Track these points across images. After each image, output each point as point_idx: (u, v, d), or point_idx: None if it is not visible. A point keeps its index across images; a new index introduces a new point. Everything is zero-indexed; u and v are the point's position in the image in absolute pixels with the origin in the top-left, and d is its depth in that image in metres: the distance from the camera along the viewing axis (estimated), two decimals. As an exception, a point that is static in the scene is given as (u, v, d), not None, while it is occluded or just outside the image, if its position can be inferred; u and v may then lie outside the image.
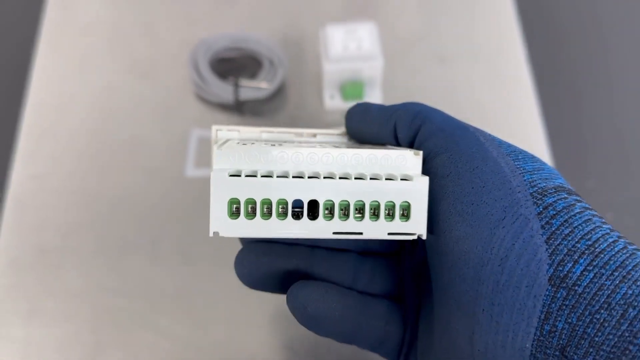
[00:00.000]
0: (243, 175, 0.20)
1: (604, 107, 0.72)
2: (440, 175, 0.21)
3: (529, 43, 0.50)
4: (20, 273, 0.39)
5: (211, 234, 0.20)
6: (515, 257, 0.19)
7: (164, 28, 0.48)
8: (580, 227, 0.19)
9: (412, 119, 0.23)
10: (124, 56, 0.47)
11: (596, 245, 0.19)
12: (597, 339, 0.17)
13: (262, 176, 0.20)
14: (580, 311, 0.18)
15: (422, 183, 0.21)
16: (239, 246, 0.25)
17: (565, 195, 0.20)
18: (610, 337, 0.17)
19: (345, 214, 0.21)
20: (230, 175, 0.20)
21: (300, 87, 0.46)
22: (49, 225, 0.40)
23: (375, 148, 0.22)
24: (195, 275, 0.39)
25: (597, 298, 0.18)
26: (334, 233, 0.21)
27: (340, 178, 0.20)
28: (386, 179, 0.21)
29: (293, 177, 0.20)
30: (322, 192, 0.20)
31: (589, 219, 0.19)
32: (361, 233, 0.21)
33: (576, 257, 0.18)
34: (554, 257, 0.18)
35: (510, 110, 0.45)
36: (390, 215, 0.21)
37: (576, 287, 0.18)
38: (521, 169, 0.20)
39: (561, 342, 0.18)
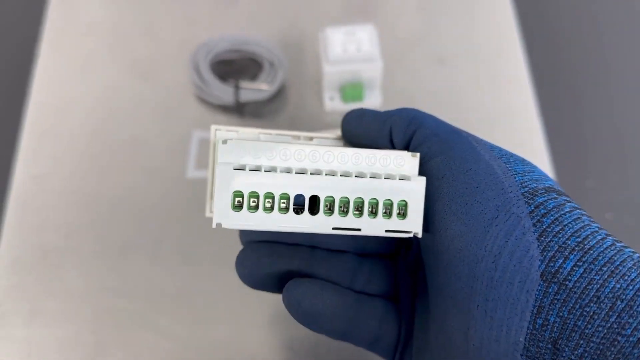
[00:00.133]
0: (247, 169, 0.21)
1: (603, 107, 0.72)
2: (435, 177, 0.22)
3: (528, 44, 0.50)
4: (21, 273, 0.39)
5: (214, 225, 0.21)
6: (508, 254, 0.19)
7: (164, 29, 0.49)
8: (570, 225, 0.19)
9: (408, 124, 0.23)
10: (124, 57, 0.47)
11: (585, 242, 0.19)
12: (587, 331, 0.18)
13: (265, 171, 0.21)
14: (571, 305, 0.18)
15: (420, 183, 0.21)
16: (240, 246, 0.26)
17: (555, 196, 0.20)
18: (600, 329, 0.18)
19: (344, 210, 0.21)
20: (235, 169, 0.21)
21: (300, 88, 0.46)
22: (50, 226, 0.40)
23: (374, 149, 0.23)
24: (195, 275, 0.39)
25: (587, 292, 0.18)
26: (334, 228, 0.21)
27: (341, 175, 0.21)
28: (385, 178, 0.21)
29: (296, 172, 0.21)
30: (323, 188, 0.21)
31: (579, 218, 0.20)
32: (359, 229, 0.21)
33: (567, 254, 0.19)
34: (545, 254, 0.19)
35: (509, 111, 0.45)
36: (387, 213, 0.21)
37: (567, 282, 0.19)
38: (513, 170, 0.21)
39: (553, 335, 0.18)
